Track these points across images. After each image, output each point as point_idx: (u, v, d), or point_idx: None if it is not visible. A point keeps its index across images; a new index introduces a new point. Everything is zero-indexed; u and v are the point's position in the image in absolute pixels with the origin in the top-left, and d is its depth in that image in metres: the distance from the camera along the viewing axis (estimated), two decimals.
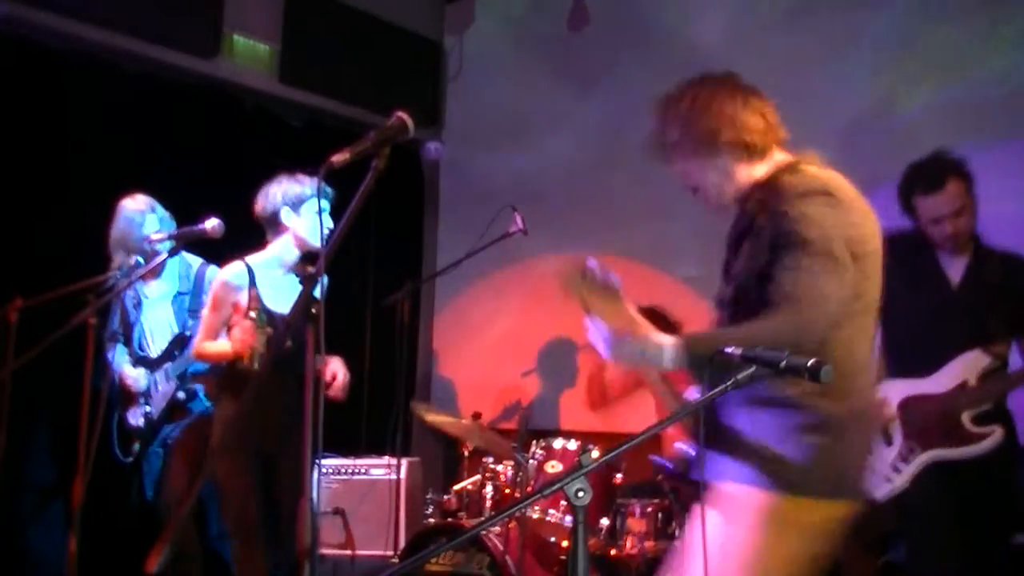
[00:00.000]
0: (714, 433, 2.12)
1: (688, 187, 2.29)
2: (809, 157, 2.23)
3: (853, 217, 2.08)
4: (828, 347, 1.97)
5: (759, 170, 2.21)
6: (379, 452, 4.88)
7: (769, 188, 2.15)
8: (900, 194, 3.28)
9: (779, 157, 2.24)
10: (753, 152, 2.20)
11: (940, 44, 4.60)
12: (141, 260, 3.71)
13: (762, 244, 2.07)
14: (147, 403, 4.07)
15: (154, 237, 3.79)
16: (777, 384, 2.00)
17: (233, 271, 3.65)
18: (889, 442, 3.16)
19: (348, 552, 4.46)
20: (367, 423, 5.57)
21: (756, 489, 2.05)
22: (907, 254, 3.25)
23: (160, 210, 4.13)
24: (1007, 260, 3.28)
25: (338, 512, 4.54)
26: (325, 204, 3.39)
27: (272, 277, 3.67)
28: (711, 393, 1.61)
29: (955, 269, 3.25)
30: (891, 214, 3.27)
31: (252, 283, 3.60)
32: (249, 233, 4.10)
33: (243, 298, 3.58)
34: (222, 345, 3.60)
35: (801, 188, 2.08)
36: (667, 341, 1.99)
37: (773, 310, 1.99)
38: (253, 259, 3.68)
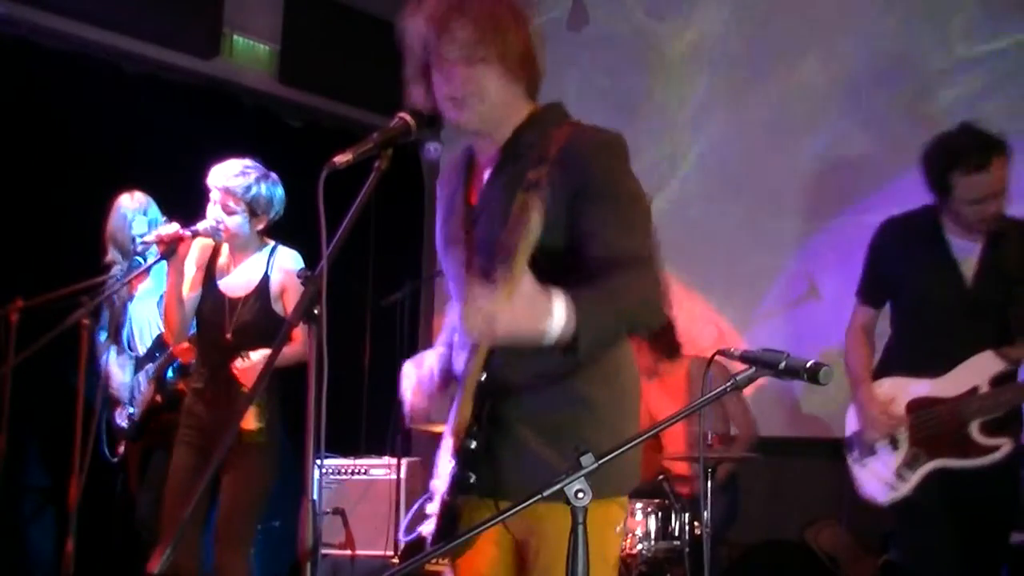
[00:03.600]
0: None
1: (446, 95, 1.91)
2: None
3: None
4: None
5: (523, 105, 1.95)
6: (379, 452, 4.88)
7: (558, 132, 1.87)
8: (931, 169, 2.99)
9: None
10: (534, 81, 1.94)
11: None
12: (141, 261, 3.68)
13: (558, 196, 1.77)
14: (131, 404, 4.03)
15: (147, 239, 3.75)
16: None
17: None
18: (895, 446, 3.04)
19: (348, 552, 4.46)
20: (367, 423, 5.58)
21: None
22: (916, 238, 3.09)
23: (153, 211, 4.09)
24: None
25: (338, 512, 4.54)
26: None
27: None
28: (711, 395, 1.60)
29: (971, 253, 3.01)
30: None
31: None
32: None
33: None
34: None
35: (605, 142, 1.88)
36: (558, 305, 1.62)
37: (618, 266, 1.74)
38: None
